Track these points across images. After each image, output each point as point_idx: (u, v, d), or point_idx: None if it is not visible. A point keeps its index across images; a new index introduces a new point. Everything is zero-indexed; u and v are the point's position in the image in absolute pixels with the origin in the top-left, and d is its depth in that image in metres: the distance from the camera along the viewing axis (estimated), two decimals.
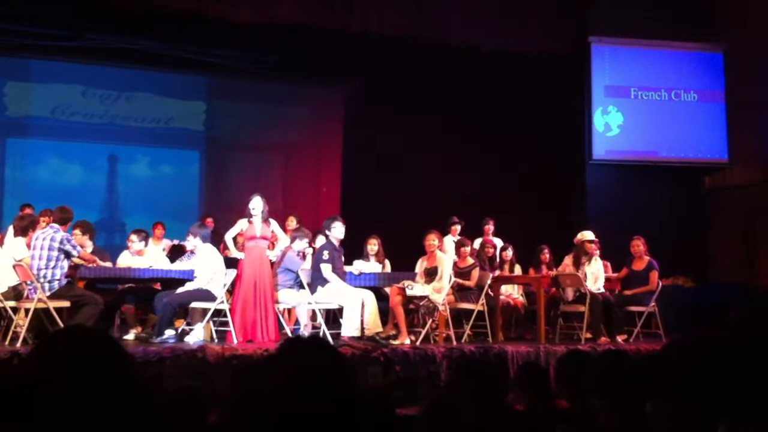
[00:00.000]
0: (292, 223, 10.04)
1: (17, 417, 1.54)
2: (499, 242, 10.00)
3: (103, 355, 1.65)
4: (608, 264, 9.65)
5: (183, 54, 11.78)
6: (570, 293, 9.19)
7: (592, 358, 3.40)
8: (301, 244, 8.56)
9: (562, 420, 2.93)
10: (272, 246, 8.31)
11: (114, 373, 1.64)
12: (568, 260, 9.31)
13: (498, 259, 9.72)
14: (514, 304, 9.56)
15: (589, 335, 8.79)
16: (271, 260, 8.24)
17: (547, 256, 9.84)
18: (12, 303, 7.34)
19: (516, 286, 9.85)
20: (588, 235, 9.23)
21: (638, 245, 9.39)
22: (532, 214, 11.70)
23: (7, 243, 8.00)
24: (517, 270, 9.84)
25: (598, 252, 9.21)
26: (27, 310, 7.13)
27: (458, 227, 9.95)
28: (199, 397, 3.15)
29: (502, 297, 9.32)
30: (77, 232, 7.99)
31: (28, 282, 7.25)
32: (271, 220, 8.23)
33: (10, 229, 8.16)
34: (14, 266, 7.38)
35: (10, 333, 7.24)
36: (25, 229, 7.70)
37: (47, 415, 1.55)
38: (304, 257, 8.73)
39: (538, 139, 12.27)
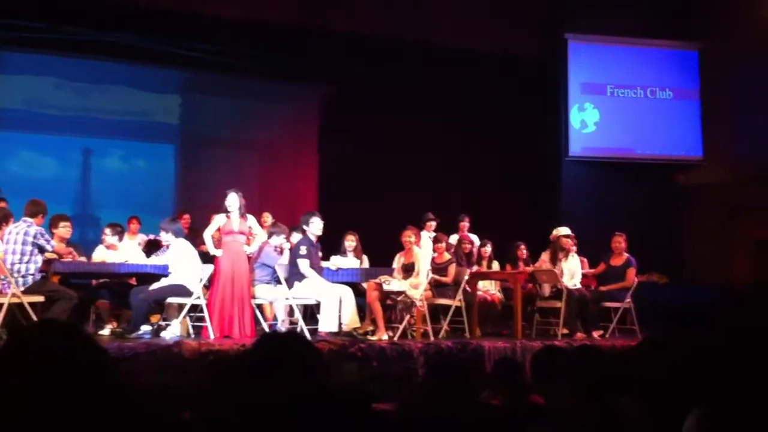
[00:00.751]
0: (267, 219, 10.02)
1: None
2: (474, 238, 10.03)
3: (75, 349, 1.63)
4: (585, 260, 9.70)
5: (160, 48, 11.67)
6: (546, 289, 9.23)
7: (568, 354, 3.41)
8: (278, 239, 8.54)
9: (537, 415, 2.94)
10: (249, 242, 8.27)
11: (87, 367, 1.62)
12: (545, 256, 9.35)
13: (476, 255, 9.75)
14: (491, 299, 9.60)
15: (565, 331, 8.85)
16: (248, 255, 8.20)
17: (524, 252, 9.90)
18: None
19: (493, 282, 9.89)
20: (563, 230, 9.28)
21: (619, 242, 9.43)
22: (508, 211, 11.74)
23: None
24: (495, 266, 9.88)
25: (575, 248, 9.26)
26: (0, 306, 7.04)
27: (433, 223, 9.92)
28: (172, 394, 3.12)
29: (479, 293, 9.36)
30: (67, 224, 7.94)
31: (2, 277, 7.15)
32: (249, 216, 8.18)
33: None
34: None
35: None
36: None
37: (19, 408, 1.53)
38: (281, 252, 8.70)
39: (514, 136, 12.32)
